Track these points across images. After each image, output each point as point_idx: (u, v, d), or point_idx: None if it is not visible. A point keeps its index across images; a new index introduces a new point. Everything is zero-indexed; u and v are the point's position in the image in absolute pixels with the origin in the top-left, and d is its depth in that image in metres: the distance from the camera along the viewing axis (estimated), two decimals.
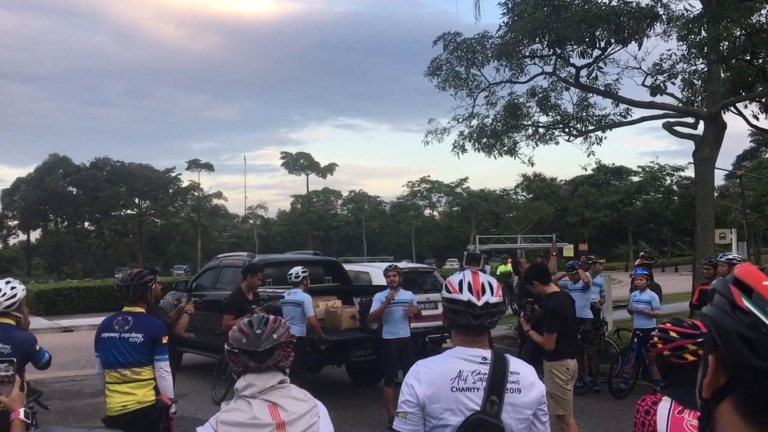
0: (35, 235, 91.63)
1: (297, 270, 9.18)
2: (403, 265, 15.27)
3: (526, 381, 2.53)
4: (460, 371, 2.46)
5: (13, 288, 4.94)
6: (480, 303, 2.49)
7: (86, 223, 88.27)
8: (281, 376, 2.52)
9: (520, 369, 2.56)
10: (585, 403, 9.46)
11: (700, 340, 2.74)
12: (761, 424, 0.91)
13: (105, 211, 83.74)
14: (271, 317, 2.63)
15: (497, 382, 2.46)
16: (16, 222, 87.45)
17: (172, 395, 5.06)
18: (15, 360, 3.00)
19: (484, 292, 2.52)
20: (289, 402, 2.46)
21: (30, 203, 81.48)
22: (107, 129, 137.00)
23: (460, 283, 2.55)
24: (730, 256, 9.43)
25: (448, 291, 2.57)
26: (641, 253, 16.59)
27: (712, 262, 9.48)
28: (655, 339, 2.92)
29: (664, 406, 2.65)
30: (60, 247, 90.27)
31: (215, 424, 2.37)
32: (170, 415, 5.12)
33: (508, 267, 23.29)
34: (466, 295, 2.50)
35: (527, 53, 16.08)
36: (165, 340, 4.99)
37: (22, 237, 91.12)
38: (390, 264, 10.06)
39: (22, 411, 2.81)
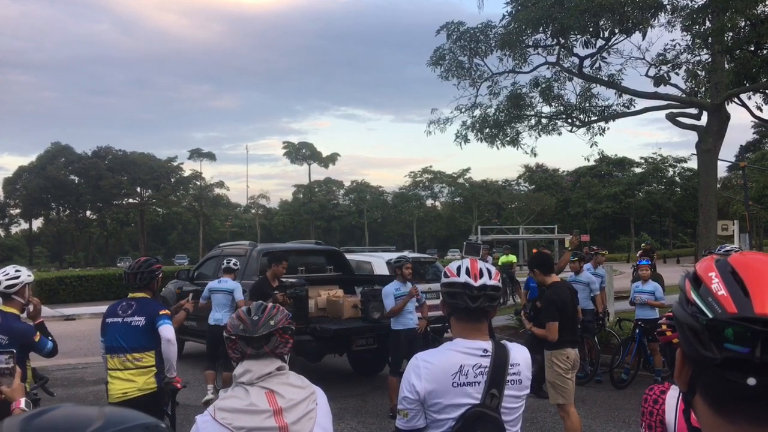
0: (37, 223, 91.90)
1: (233, 260, 10.00)
2: (405, 255, 15.29)
3: (526, 368, 2.54)
4: (461, 366, 2.44)
5: (17, 271, 5.02)
6: (477, 284, 2.47)
7: (88, 212, 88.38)
8: (279, 363, 2.52)
9: (521, 359, 2.55)
10: (586, 393, 9.48)
11: None
12: (726, 414, 0.92)
13: (107, 200, 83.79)
14: (270, 304, 2.63)
15: (498, 376, 2.45)
16: (18, 210, 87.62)
17: (175, 364, 5.10)
18: (14, 351, 3.02)
19: (481, 275, 2.51)
20: (286, 389, 2.46)
21: (32, 192, 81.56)
22: (109, 118, 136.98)
23: (458, 268, 2.55)
24: (728, 248, 9.40)
25: (446, 276, 2.56)
26: (643, 245, 16.58)
27: (711, 252, 9.46)
28: (664, 327, 2.88)
29: (672, 395, 2.63)
30: (62, 236, 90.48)
31: (213, 412, 2.38)
32: (175, 399, 5.19)
33: (510, 258, 23.32)
34: (463, 278, 2.50)
35: (530, 43, 16.04)
36: (163, 312, 5.06)
37: (24, 225, 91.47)
38: (401, 256, 9.89)
39: (23, 401, 2.85)
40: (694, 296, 0.95)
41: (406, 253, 14.30)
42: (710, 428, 0.96)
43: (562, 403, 6.48)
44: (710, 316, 0.92)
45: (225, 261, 10.01)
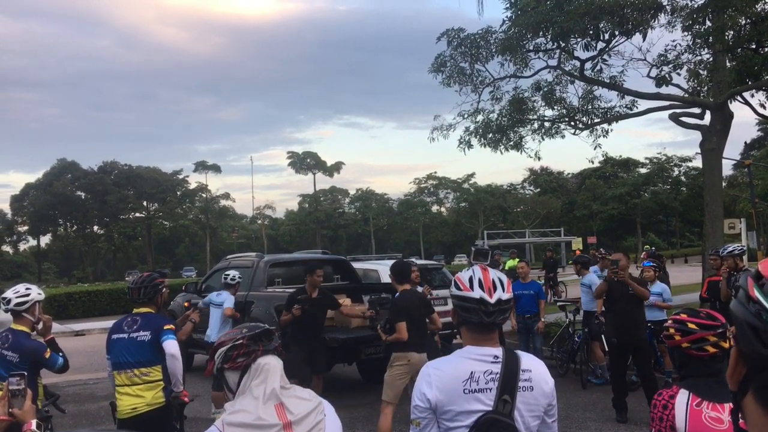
0: (45, 240, 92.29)
1: (233, 273, 9.82)
2: (412, 262, 15.28)
3: (538, 377, 2.50)
4: (471, 372, 2.42)
5: (27, 289, 5.03)
6: (493, 300, 2.44)
7: (95, 227, 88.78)
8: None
9: (532, 366, 2.52)
10: (597, 396, 9.45)
11: (720, 331, 2.69)
12: None
13: (114, 214, 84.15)
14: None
15: (509, 381, 2.42)
16: (26, 227, 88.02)
17: (181, 378, 5.11)
18: (25, 373, 3.05)
19: (495, 288, 2.47)
20: (294, 402, 2.45)
21: (39, 208, 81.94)
22: (114, 133, 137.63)
23: (471, 280, 2.49)
24: (730, 248, 9.35)
25: (458, 288, 2.51)
26: (647, 246, 16.53)
27: (718, 252, 9.45)
28: (672, 331, 2.83)
29: (682, 399, 2.59)
30: (70, 252, 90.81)
31: (222, 427, 2.36)
32: (183, 413, 5.20)
33: (516, 262, 23.23)
34: (477, 293, 2.45)
35: (531, 47, 16.04)
36: (167, 326, 5.06)
37: (32, 242, 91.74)
38: (411, 260, 9.86)
39: (34, 423, 2.86)
40: (757, 294, 0.92)
41: (413, 260, 14.26)
42: (759, 430, 0.93)
43: (385, 399, 7.01)
44: None
45: (223, 276, 9.91)
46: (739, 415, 1.00)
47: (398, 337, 6.96)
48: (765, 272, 0.95)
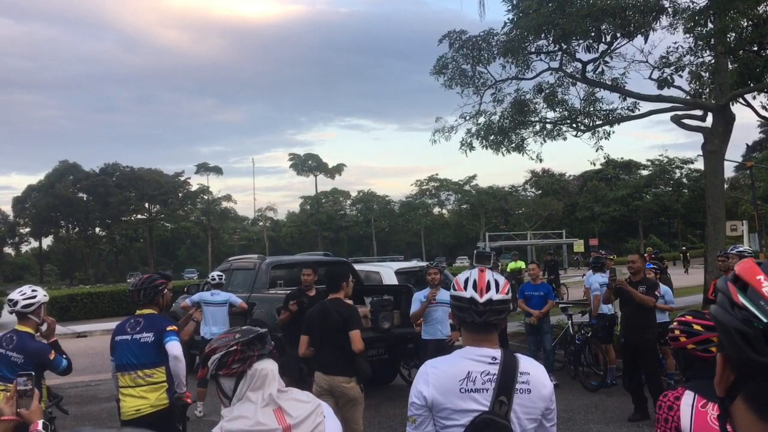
0: (47, 241, 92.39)
1: (222, 275, 10.30)
2: (414, 264, 15.30)
3: (536, 381, 2.51)
4: (468, 372, 2.45)
5: (34, 291, 5.07)
6: (482, 300, 2.48)
7: (97, 229, 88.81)
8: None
9: (531, 369, 2.54)
10: (599, 399, 9.45)
11: None
12: None
13: (115, 216, 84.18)
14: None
15: (506, 383, 2.44)
16: (27, 229, 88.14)
17: (184, 379, 5.11)
18: (33, 373, 3.06)
19: (488, 289, 2.51)
20: (292, 405, 2.45)
21: (41, 210, 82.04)
22: (116, 135, 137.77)
23: (466, 280, 2.55)
24: (741, 249, 9.36)
25: (454, 289, 2.58)
26: (648, 248, 16.53)
27: (726, 254, 9.45)
28: (677, 332, 2.84)
29: (687, 401, 2.60)
30: (72, 253, 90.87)
31: None
32: (186, 415, 5.21)
33: (519, 264, 23.30)
34: (469, 292, 2.51)
35: (533, 49, 16.04)
36: (170, 328, 5.06)
37: (34, 244, 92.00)
38: (431, 262, 10.14)
39: (40, 423, 2.87)
40: (743, 300, 0.93)
41: (414, 262, 14.30)
42: None
43: None
44: (765, 321, 0.90)
45: (210, 278, 10.18)
46: (726, 422, 1.00)
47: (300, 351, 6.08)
48: (746, 276, 0.95)
